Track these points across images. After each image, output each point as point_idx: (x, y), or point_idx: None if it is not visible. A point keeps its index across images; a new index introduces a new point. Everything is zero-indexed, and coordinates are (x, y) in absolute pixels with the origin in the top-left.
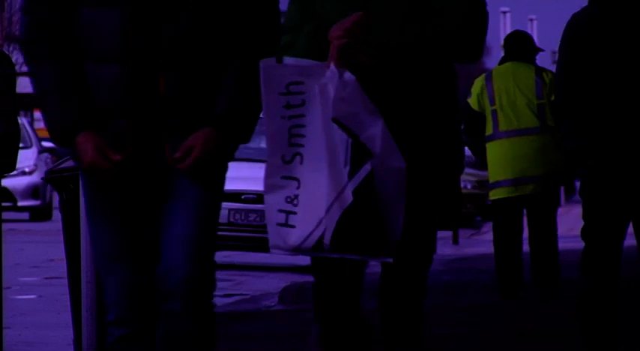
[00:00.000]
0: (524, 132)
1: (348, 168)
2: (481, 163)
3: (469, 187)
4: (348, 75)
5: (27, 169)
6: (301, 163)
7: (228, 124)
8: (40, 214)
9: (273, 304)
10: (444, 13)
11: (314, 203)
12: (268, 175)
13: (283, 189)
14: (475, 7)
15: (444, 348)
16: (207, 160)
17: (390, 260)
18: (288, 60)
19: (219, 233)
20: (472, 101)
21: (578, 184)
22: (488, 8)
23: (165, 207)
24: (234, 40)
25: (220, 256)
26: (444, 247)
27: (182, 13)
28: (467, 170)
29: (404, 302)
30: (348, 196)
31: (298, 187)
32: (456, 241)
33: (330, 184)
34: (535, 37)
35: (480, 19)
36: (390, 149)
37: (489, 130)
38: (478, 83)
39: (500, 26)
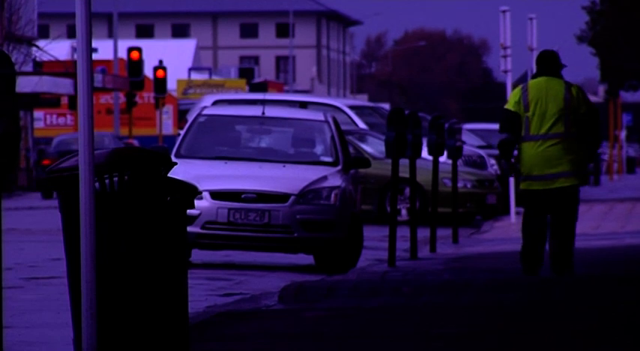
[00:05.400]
0: (551, 136)
1: None
2: (506, 163)
3: (469, 186)
4: None
5: None
6: None
7: None
8: None
9: (273, 303)
10: None
11: None
12: None
13: None
14: None
15: (445, 348)
16: None
17: None
18: None
19: (220, 233)
20: (509, 106)
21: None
22: (488, 7)
23: None
24: None
25: (220, 256)
26: (444, 246)
27: None
28: (467, 170)
29: None
30: None
31: None
32: (456, 240)
33: None
34: (534, 37)
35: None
36: None
37: (522, 132)
38: (516, 93)
39: (500, 25)
